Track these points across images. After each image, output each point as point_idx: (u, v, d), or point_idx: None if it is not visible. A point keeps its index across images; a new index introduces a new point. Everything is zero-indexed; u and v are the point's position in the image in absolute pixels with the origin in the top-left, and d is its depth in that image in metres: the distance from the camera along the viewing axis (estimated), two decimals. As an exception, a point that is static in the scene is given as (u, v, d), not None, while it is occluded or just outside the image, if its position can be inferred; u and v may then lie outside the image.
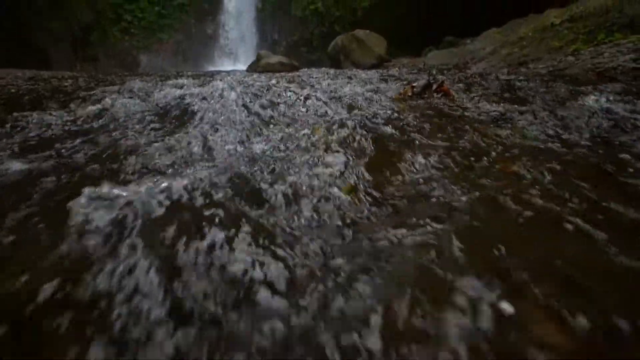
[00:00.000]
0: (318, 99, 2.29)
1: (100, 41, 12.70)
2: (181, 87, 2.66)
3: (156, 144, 1.41)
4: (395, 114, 1.79)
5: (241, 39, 14.28)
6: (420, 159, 1.17)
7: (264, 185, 0.99)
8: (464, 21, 9.66)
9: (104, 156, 1.39)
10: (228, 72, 6.15)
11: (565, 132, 1.58)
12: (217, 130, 1.57)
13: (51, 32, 11.28)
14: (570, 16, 3.81)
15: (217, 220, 0.73)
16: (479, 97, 2.40)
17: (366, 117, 1.75)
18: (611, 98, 2.01)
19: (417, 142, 1.34)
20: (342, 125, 1.51)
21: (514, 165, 1.09)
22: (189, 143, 1.41)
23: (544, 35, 4.03)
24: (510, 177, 1.01)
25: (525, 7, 5.80)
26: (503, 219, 0.79)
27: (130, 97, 2.33)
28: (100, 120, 1.91)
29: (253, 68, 6.57)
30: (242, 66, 10.59)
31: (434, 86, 2.72)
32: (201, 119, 1.63)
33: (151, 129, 1.70)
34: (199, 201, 0.79)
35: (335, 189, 0.99)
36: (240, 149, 1.43)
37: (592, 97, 2.03)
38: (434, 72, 4.49)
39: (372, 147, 1.30)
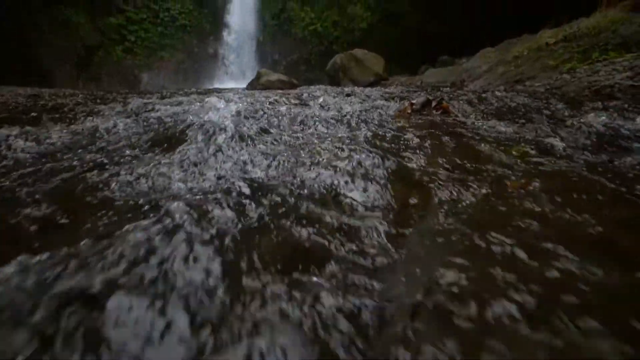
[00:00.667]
0: (318, 116, 2.28)
1: (103, 61, 12.92)
2: (178, 105, 2.64)
3: (128, 178, 1.18)
4: (397, 132, 1.77)
5: (242, 58, 14.59)
6: (425, 179, 1.13)
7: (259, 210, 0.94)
8: (458, 41, 9.92)
9: (57, 195, 1.11)
10: (228, 90, 6.20)
11: (569, 149, 1.55)
12: (208, 155, 1.53)
13: (56, 52, 11.50)
14: (564, 36, 3.89)
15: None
16: (478, 114, 2.40)
17: (367, 134, 1.73)
18: (612, 115, 2.00)
19: (421, 160, 1.30)
20: (342, 143, 1.48)
21: (524, 184, 1.05)
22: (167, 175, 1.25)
23: (539, 54, 4.10)
24: (521, 196, 0.97)
25: (519, 27, 5.95)
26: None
27: (124, 117, 2.31)
28: (74, 142, 1.80)
29: (253, 86, 6.65)
30: (242, 84, 10.75)
31: (433, 103, 2.73)
32: (194, 140, 1.58)
33: (131, 154, 1.56)
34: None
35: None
36: (233, 177, 1.39)
37: (593, 114, 2.02)
38: (431, 89, 4.54)
39: (374, 166, 1.27)
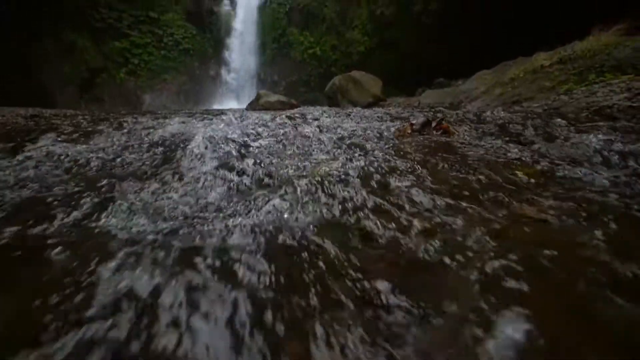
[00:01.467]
0: (318, 136, 2.24)
1: (106, 82, 13.12)
2: (176, 124, 2.61)
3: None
4: (399, 152, 1.72)
5: (242, 80, 14.90)
6: (433, 202, 1.07)
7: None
8: (453, 65, 10.17)
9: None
10: (228, 110, 6.24)
11: (576, 169, 1.50)
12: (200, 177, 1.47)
13: (60, 75, 11.69)
14: (559, 59, 3.96)
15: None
16: (480, 134, 2.37)
17: (368, 154, 1.68)
18: (615, 136, 1.97)
19: (426, 182, 1.24)
20: (343, 163, 1.42)
21: (538, 209, 0.98)
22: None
23: (535, 76, 4.16)
24: (536, 223, 0.90)
25: (514, 51, 6.10)
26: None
27: (120, 136, 2.27)
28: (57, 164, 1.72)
29: (253, 106, 6.70)
30: (242, 105, 10.89)
31: (433, 124, 2.71)
32: (189, 160, 1.54)
33: (113, 179, 1.48)
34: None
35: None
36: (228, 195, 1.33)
37: (596, 134, 1.99)
38: (430, 110, 4.57)
39: (378, 188, 1.21)
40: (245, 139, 2.02)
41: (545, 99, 3.80)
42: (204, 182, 1.34)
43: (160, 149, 2.00)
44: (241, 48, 14.91)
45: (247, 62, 14.97)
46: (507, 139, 2.11)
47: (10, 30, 9.81)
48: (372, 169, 1.36)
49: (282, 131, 2.63)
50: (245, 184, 1.32)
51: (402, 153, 1.72)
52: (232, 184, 1.31)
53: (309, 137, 2.33)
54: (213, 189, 1.26)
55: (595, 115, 2.85)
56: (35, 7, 10.15)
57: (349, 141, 2.17)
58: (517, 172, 1.40)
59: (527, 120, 2.81)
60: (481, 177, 1.29)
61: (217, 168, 1.44)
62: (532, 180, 1.26)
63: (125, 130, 2.73)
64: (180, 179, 1.38)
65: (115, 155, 1.86)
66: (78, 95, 12.39)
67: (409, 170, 1.43)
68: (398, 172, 1.38)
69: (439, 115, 3.59)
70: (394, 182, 1.22)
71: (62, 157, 1.78)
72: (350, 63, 13.30)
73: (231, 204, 1.13)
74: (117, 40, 13.23)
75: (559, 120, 2.59)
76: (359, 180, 1.26)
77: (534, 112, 3.60)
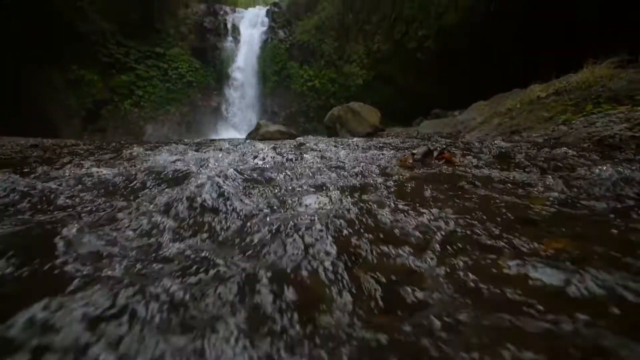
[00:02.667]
0: (319, 166, 2.18)
1: (111, 114, 13.34)
2: (175, 154, 2.56)
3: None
4: (403, 182, 1.64)
5: (243, 111, 15.26)
6: (443, 236, 0.97)
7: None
8: (449, 96, 10.46)
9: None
10: (226, 140, 6.26)
11: (590, 201, 1.42)
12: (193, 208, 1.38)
13: (66, 107, 11.94)
14: (555, 90, 4.03)
15: None
16: (483, 164, 2.31)
17: (371, 184, 1.60)
18: (622, 166, 1.91)
19: (434, 214, 1.15)
20: (344, 195, 1.34)
21: (558, 244, 0.88)
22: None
23: (532, 106, 4.21)
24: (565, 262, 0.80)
25: (508, 83, 6.27)
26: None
27: (118, 166, 2.21)
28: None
29: (252, 136, 6.75)
30: (242, 134, 11.03)
31: (435, 153, 2.67)
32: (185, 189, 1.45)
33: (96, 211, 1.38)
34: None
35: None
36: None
37: (603, 164, 1.94)
38: (429, 140, 4.57)
39: (382, 221, 1.11)
40: (237, 173, 1.95)
41: (544, 129, 3.81)
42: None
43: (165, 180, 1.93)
44: (243, 81, 15.43)
45: (248, 94, 15.42)
46: (512, 168, 2.05)
47: (18, 62, 10.13)
48: (374, 205, 1.28)
49: (283, 160, 2.58)
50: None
51: (405, 185, 1.65)
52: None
53: (308, 167, 2.27)
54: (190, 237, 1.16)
55: (598, 145, 2.83)
56: (44, 41, 10.57)
57: (350, 171, 2.10)
58: (529, 204, 1.31)
59: (530, 150, 2.78)
60: (490, 207, 1.20)
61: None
62: (546, 214, 1.17)
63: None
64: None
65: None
66: (82, 126, 12.56)
67: (414, 205, 1.34)
68: (403, 207, 1.29)
69: (439, 144, 3.58)
70: (398, 221, 1.13)
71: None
72: (348, 95, 13.70)
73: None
74: (124, 73, 13.66)
75: (563, 150, 2.56)
76: (361, 218, 1.17)
77: (534, 142, 3.60)
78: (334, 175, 1.97)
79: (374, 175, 1.95)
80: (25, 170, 2.29)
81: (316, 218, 1.03)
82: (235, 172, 1.77)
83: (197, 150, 3.34)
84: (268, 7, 16.84)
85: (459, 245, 0.93)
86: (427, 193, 1.45)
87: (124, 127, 13.61)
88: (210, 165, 2.23)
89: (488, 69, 9.39)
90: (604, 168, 1.69)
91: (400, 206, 1.29)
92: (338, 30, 14.61)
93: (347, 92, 14.20)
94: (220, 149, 3.34)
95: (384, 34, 13.16)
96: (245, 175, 1.82)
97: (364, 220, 1.12)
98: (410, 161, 2.63)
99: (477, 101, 6.99)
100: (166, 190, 1.53)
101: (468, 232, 1.02)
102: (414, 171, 2.08)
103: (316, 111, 14.67)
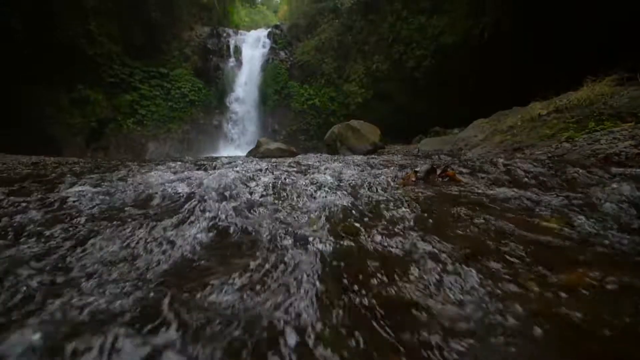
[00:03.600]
0: (320, 184, 2.12)
1: (114, 133, 13.44)
2: (170, 172, 2.51)
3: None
4: (406, 201, 1.58)
5: (244, 129, 15.40)
6: (454, 264, 0.89)
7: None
8: (448, 114, 10.55)
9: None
10: (225, 158, 6.24)
11: (608, 223, 1.34)
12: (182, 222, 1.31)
13: (70, 126, 12.03)
14: (556, 108, 4.02)
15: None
16: (488, 182, 2.25)
17: (374, 204, 1.53)
18: (635, 184, 1.84)
19: (442, 236, 1.08)
20: (347, 215, 1.27)
21: (583, 276, 0.80)
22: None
23: (533, 124, 4.19)
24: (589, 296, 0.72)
25: (508, 101, 6.31)
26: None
27: (117, 187, 2.15)
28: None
29: (253, 154, 6.74)
30: (243, 152, 11.07)
31: (438, 171, 2.61)
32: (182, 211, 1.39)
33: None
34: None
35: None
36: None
37: (615, 182, 1.87)
38: (430, 157, 4.54)
39: (388, 242, 1.04)
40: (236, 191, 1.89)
41: (547, 146, 3.77)
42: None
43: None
44: (244, 99, 15.67)
45: (249, 112, 15.62)
46: (520, 187, 1.98)
47: (26, 84, 10.31)
48: (380, 225, 1.20)
49: (284, 178, 2.51)
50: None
51: (410, 204, 1.57)
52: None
53: (309, 185, 2.20)
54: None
55: (604, 162, 2.77)
56: (52, 63, 10.80)
57: (352, 191, 2.04)
58: (543, 224, 1.23)
59: (535, 168, 2.72)
60: (501, 230, 1.12)
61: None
62: (564, 237, 1.09)
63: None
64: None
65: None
66: (85, 144, 12.62)
67: (422, 226, 1.27)
68: (409, 229, 1.22)
69: (442, 162, 3.53)
70: (406, 244, 1.06)
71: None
72: (348, 113, 13.85)
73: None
74: (128, 93, 13.88)
75: (569, 168, 2.50)
76: (368, 244, 1.10)
77: (538, 159, 3.54)
78: (333, 196, 1.90)
79: (378, 195, 1.89)
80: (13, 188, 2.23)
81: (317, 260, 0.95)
82: (227, 193, 1.70)
83: (197, 168, 3.29)
84: (269, 29, 17.35)
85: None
86: (436, 215, 1.37)
87: (127, 145, 13.69)
88: (203, 184, 2.17)
89: (486, 87, 9.51)
90: (620, 187, 1.63)
91: (407, 232, 1.21)
92: (337, 51, 14.96)
93: (347, 110, 14.37)
94: (217, 167, 3.29)
95: (382, 54, 13.46)
96: (239, 202, 1.76)
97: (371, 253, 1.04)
98: (413, 179, 2.57)
99: (477, 119, 7.00)
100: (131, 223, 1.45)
101: (486, 266, 0.94)
102: (418, 190, 2.02)
103: (316, 129, 14.80)
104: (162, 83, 14.82)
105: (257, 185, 2.13)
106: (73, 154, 10.84)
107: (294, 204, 1.72)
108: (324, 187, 2.14)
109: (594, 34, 6.28)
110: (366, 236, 1.11)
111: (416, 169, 2.63)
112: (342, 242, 1.03)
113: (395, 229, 1.20)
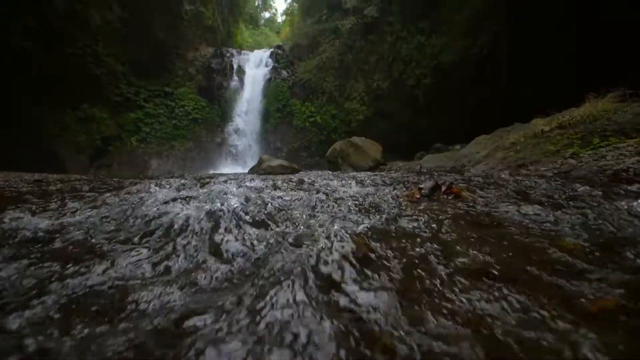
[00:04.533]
0: (323, 201, 2.07)
1: (117, 150, 13.54)
2: (168, 190, 2.47)
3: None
4: (412, 220, 1.52)
5: (246, 146, 15.51)
6: (467, 290, 0.83)
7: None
8: (449, 131, 10.60)
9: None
10: (227, 175, 6.22)
11: (628, 243, 1.27)
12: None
13: (75, 143, 12.15)
14: (559, 124, 4.01)
15: None
16: (495, 199, 2.19)
17: (379, 222, 1.47)
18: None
19: (452, 258, 1.01)
20: (350, 235, 1.21)
21: (614, 302, 0.74)
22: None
23: (536, 140, 4.17)
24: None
25: (510, 117, 6.34)
26: None
27: (117, 204, 2.11)
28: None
29: (255, 170, 6.72)
30: (245, 169, 11.07)
31: (443, 188, 2.56)
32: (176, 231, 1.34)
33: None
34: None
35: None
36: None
37: (630, 199, 1.81)
38: (433, 174, 4.49)
39: (396, 267, 0.97)
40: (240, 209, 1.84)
41: (552, 162, 3.72)
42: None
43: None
44: (246, 117, 15.88)
45: (252, 130, 15.78)
46: (528, 204, 1.92)
47: (32, 103, 10.49)
48: (386, 248, 1.14)
49: (283, 196, 2.47)
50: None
51: (416, 223, 1.52)
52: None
53: (312, 201, 2.15)
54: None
55: (613, 179, 2.72)
56: (59, 83, 11.03)
57: (357, 209, 1.99)
58: (560, 245, 1.17)
59: (542, 184, 2.66)
60: (516, 252, 1.06)
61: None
62: (584, 257, 1.03)
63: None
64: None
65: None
66: (89, 162, 12.69)
67: (425, 244, 1.21)
68: (410, 250, 1.16)
69: (446, 178, 3.48)
70: (414, 273, 1.00)
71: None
72: (349, 130, 13.96)
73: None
74: (132, 111, 14.10)
75: (576, 184, 2.44)
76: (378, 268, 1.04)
77: (543, 175, 3.49)
78: (338, 214, 1.85)
79: (379, 211, 1.83)
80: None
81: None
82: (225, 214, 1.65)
83: (200, 185, 3.26)
84: (272, 50, 17.81)
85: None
86: (446, 235, 1.31)
87: (130, 162, 13.76)
88: (198, 204, 2.12)
89: (487, 104, 9.59)
90: (628, 204, 1.57)
91: (403, 243, 1.15)
92: (338, 70, 15.27)
93: (348, 127, 14.50)
94: (215, 184, 3.25)
95: (382, 73, 13.71)
96: (238, 219, 1.71)
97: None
98: (418, 196, 2.51)
99: (478, 135, 7.01)
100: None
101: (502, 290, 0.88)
102: (423, 207, 1.96)
103: (318, 146, 14.88)
104: (167, 101, 15.08)
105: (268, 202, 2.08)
106: (76, 171, 10.88)
107: (294, 224, 1.66)
108: (327, 205, 2.09)
109: (595, 51, 6.36)
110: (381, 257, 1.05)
111: (420, 186, 2.58)
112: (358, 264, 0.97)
113: (409, 249, 1.14)
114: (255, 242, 1.30)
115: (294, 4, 23.39)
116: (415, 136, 12.12)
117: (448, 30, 10.84)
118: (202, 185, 3.10)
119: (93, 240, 1.37)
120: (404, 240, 1.24)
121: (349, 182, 3.55)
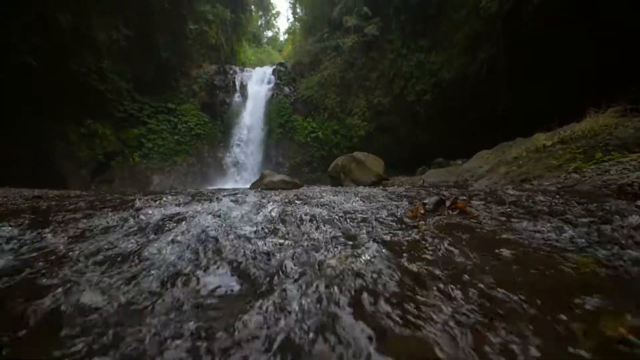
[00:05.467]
0: (326, 216, 2.04)
1: (120, 165, 13.58)
2: (178, 205, 2.46)
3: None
4: (418, 237, 1.49)
5: (248, 161, 15.58)
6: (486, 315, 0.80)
7: None
8: (451, 145, 10.65)
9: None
10: (229, 190, 6.21)
11: None
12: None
13: (77, 159, 12.21)
14: (561, 139, 4.02)
15: None
16: (501, 214, 2.16)
17: (383, 240, 1.45)
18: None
19: (465, 277, 0.98)
20: (355, 254, 1.19)
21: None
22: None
23: (539, 155, 4.17)
24: None
25: (511, 132, 6.38)
26: None
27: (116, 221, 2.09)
28: None
29: (256, 186, 6.71)
30: (247, 184, 11.07)
31: (448, 203, 2.53)
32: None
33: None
34: None
35: None
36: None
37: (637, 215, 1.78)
38: (439, 188, 4.47)
39: (403, 288, 0.94)
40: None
41: (555, 177, 3.71)
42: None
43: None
44: (249, 133, 16.02)
45: (254, 145, 15.89)
46: (536, 220, 1.89)
47: (36, 119, 10.62)
48: (390, 272, 1.11)
49: (283, 213, 2.45)
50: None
51: (422, 242, 1.49)
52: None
53: (314, 220, 2.13)
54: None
55: (620, 193, 2.69)
56: (62, 96, 11.18)
57: (358, 223, 1.96)
58: (573, 263, 1.14)
59: (546, 199, 2.64)
60: (528, 270, 1.03)
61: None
62: (599, 277, 1.00)
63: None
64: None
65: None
66: (90, 177, 12.71)
67: (432, 263, 1.18)
68: (418, 269, 1.13)
69: (449, 193, 3.46)
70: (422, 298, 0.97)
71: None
72: (351, 145, 14.06)
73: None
74: (135, 127, 14.24)
75: (582, 199, 2.42)
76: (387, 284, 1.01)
77: (547, 190, 3.47)
78: (339, 232, 1.82)
79: (384, 228, 1.80)
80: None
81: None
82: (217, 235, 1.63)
83: (196, 201, 3.24)
84: (274, 67, 18.20)
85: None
86: (445, 248, 1.28)
87: (132, 177, 13.78)
88: (195, 221, 2.10)
89: (487, 119, 9.68)
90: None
91: (409, 262, 1.12)
92: (340, 86, 15.52)
93: (350, 142, 14.60)
94: (214, 201, 3.24)
95: (383, 89, 13.94)
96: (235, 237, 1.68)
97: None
98: (422, 211, 2.48)
99: (479, 150, 7.03)
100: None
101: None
102: (426, 222, 1.93)
103: (320, 161, 14.94)
104: (170, 118, 15.25)
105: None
106: (77, 187, 10.89)
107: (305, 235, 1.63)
108: (332, 217, 2.06)
109: (595, 67, 6.45)
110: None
111: (424, 201, 2.56)
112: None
113: (398, 267, 1.11)
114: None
115: (296, 23, 24.11)
116: (417, 151, 12.18)
117: (447, 48, 11.08)
118: (198, 202, 3.08)
119: None
120: (396, 249, 1.21)
121: (352, 197, 3.53)
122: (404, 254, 1.30)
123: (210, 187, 11.85)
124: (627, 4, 5.70)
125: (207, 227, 1.79)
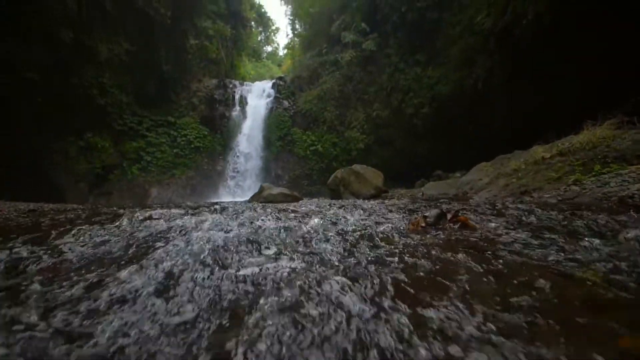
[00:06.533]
0: (326, 230, 2.01)
1: (118, 178, 13.51)
2: (159, 221, 2.42)
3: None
4: (421, 251, 1.46)
5: (248, 174, 15.57)
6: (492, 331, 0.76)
7: None
8: (449, 158, 10.70)
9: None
10: (227, 204, 6.16)
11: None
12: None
13: (75, 172, 12.17)
14: (559, 151, 4.04)
15: None
16: (502, 228, 2.14)
17: (385, 254, 1.42)
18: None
19: (470, 295, 0.95)
20: (357, 269, 1.16)
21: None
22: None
23: (538, 167, 4.18)
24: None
25: (509, 144, 6.41)
26: None
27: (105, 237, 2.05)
28: None
29: (255, 198, 6.68)
30: (246, 197, 11.03)
31: (449, 216, 2.51)
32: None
33: None
34: None
35: None
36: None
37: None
38: (439, 201, 4.45)
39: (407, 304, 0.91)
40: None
41: (555, 189, 3.70)
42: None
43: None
44: (248, 146, 16.08)
45: (253, 158, 15.92)
46: (537, 233, 1.86)
47: (36, 132, 10.65)
48: (393, 295, 1.08)
49: (282, 228, 2.41)
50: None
51: (419, 254, 1.46)
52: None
53: (313, 235, 2.10)
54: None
55: (621, 206, 2.68)
56: (62, 109, 11.23)
57: (358, 238, 1.93)
58: (580, 278, 1.11)
59: (547, 212, 2.62)
60: (535, 287, 1.00)
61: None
62: (606, 293, 0.97)
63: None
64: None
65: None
66: (88, 190, 12.62)
67: (438, 279, 1.15)
68: (424, 286, 1.10)
69: (450, 206, 3.43)
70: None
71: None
72: (350, 158, 14.11)
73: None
74: (135, 140, 14.26)
75: (583, 212, 2.40)
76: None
77: (547, 202, 3.45)
78: (340, 248, 1.79)
79: (385, 242, 1.77)
80: None
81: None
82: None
83: (192, 214, 3.21)
84: (274, 81, 18.46)
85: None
86: (449, 261, 1.25)
87: (130, 190, 13.69)
88: (189, 237, 2.07)
89: (485, 132, 9.76)
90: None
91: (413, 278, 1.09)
92: (338, 100, 15.71)
93: (349, 155, 14.66)
94: (211, 213, 3.20)
95: (382, 102, 14.11)
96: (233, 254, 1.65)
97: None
98: (423, 225, 2.45)
99: (477, 162, 7.06)
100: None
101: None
102: (427, 236, 1.90)
103: (319, 174, 14.95)
104: (169, 131, 15.31)
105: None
106: (75, 200, 10.81)
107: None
108: (332, 231, 2.03)
109: (591, 81, 6.53)
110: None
111: (425, 214, 2.53)
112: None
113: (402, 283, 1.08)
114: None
115: (295, 38, 24.62)
116: (416, 163, 12.23)
117: (443, 62, 11.30)
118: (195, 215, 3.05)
119: None
120: (399, 263, 1.18)
121: (352, 210, 3.50)
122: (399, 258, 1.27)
123: (208, 200, 11.80)
124: (621, 18, 5.83)
125: (184, 259, 1.75)
